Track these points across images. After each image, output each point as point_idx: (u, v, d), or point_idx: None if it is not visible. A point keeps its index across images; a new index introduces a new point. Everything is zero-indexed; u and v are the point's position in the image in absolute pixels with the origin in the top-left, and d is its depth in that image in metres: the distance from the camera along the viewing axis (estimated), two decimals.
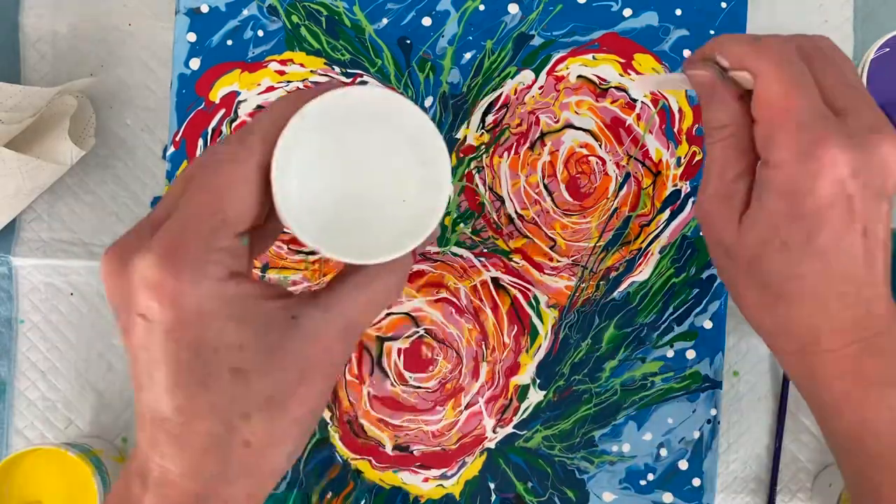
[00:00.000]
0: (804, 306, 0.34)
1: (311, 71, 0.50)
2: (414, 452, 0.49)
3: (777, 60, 0.33)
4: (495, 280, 0.50)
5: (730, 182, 0.35)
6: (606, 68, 0.50)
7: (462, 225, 0.50)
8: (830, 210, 0.32)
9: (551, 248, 0.50)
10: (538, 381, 0.50)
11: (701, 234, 0.50)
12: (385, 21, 0.50)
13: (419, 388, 0.49)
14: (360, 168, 0.32)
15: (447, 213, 0.50)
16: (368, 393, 0.49)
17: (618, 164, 0.50)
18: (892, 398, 0.33)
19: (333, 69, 0.50)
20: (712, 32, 0.50)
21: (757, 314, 0.36)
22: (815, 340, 0.34)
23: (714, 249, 0.37)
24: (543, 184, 0.50)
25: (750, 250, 0.34)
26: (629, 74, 0.50)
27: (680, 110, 0.50)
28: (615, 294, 0.50)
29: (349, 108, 0.31)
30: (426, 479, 0.49)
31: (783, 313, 0.34)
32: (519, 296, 0.50)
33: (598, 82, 0.50)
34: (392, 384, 0.49)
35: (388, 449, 0.49)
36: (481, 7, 0.50)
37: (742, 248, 0.34)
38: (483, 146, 0.50)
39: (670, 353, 0.50)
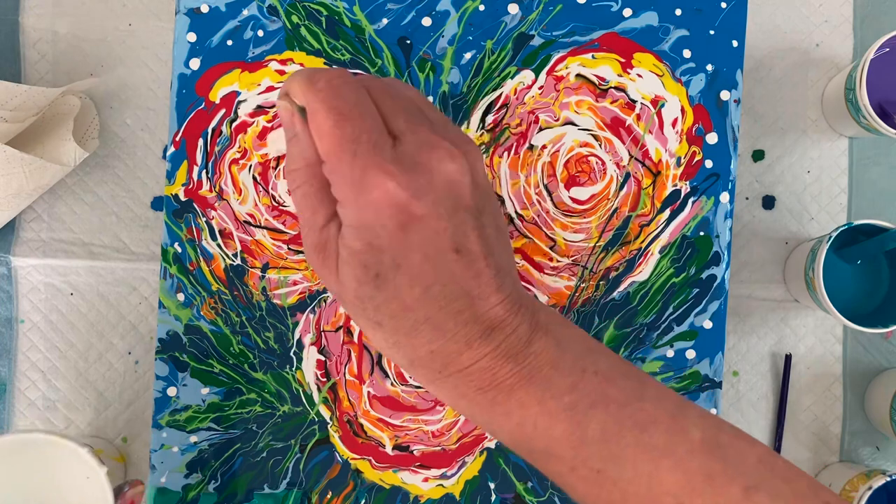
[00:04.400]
0: (424, 335, 0.32)
1: None
2: (414, 452, 0.49)
3: (327, 93, 0.31)
4: None
5: (320, 230, 0.33)
6: (606, 68, 0.50)
7: None
8: (406, 235, 0.30)
9: (551, 248, 0.50)
10: None
11: (701, 234, 0.50)
12: (385, 21, 0.50)
13: (419, 387, 0.49)
14: None
15: None
16: (368, 393, 0.49)
17: (618, 164, 0.50)
18: (527, 399, 0.32)
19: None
20: (712, 32, 0.50)
21: (392, 354, 0.34)
22: (448, 364, 0.32)
23: (337, 299, 0.34)
24: (543, 184, 0.50)
25: (353, 293, 0.32)
26: (627, 74, 0.50)
27: (682, 109, 0.50)
28: (615, 294, 0.50)
29: None
30: (426, 479, 0.49)
31: (410, 347, 0.32)
32: None
33: (597, 82, 0.50)
34: (392, 384, 0.49)
35: (388, 449, 0.49)
36: (481, 7, 0.50)
37: (347, 294, 0.33)
38: (483, 146, 0.50)
39: (670, 353, 0.50)
